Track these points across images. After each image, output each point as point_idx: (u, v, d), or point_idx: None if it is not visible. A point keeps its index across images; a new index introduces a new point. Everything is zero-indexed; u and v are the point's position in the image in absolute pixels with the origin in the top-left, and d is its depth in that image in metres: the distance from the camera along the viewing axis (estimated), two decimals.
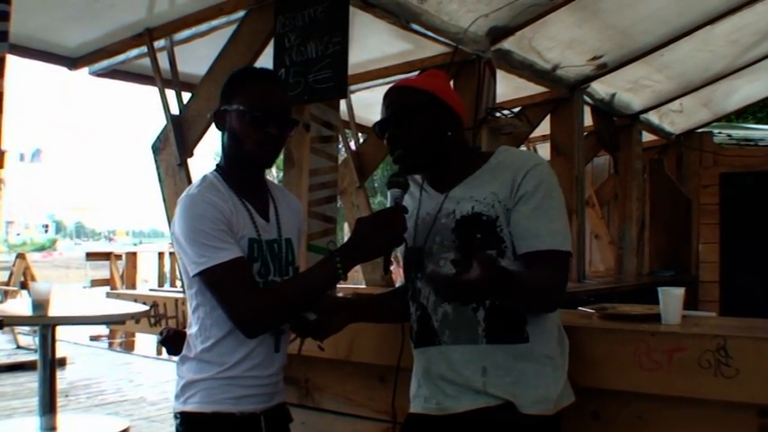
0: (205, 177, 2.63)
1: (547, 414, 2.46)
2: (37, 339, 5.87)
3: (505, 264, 2.42)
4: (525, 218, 2.45)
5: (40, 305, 4.29)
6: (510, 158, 2.60)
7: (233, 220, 2.50)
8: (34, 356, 8.10)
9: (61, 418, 5.76)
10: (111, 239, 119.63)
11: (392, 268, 2.82)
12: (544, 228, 2.44)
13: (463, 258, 2.09)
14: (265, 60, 4.69)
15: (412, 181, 2.74)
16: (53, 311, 4.35)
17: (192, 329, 2.61)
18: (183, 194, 2.55)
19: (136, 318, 4.64)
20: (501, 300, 2.40)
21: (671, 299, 3.09)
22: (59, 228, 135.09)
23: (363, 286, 6.66)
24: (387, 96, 2.67)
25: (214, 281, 2.43)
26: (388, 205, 2.53)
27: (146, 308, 4.65)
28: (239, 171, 2.64)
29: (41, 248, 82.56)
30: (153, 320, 4.77)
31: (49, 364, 4.62)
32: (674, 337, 2.84)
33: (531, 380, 2.46)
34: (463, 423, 2.49)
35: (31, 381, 8.17)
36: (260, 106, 2.56)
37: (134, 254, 16.36)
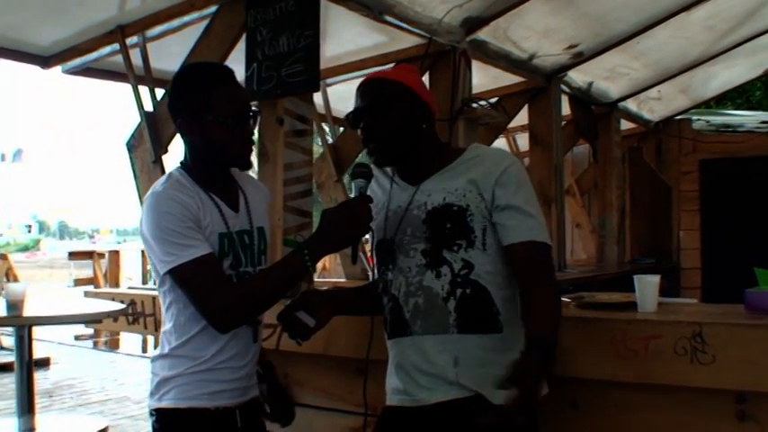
0: (170, 174, 2.62)
1: None
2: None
3: (474, 254, 2.49)
4: (514, 215, 2.50)
5: (14, 306, 4.27)
6: (485, 154, 2.66)
7: (200, 216, 2.49)
8: None
9: (40, 419, 5.73)
10: (91, 237, 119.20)
11: (369, 264, 2.84)
12: (529, 223, 2.50)
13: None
14: (237, 55, 4.67)
15: (383, 173, 2.77)
16: (28, 312, 4.33)
17: (165, 327, 2.62)
18: (149, 192, 2.54)
19: (112, 316, 4.62)
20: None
21: (646, 286, 3.10)
22: (43, 228, 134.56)
23: (343, 280, 6.66)
24: (360, 87, 2.68)
25: (183, 278, 2.43)
26: (353, 196, 2.54)
27: (122, 306, 4.63)
28: (207, 169, 2.63)
29: (25, 249, 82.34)
30: (131, 319, 4.75)
31: (27, 365, 4.60)
32: (649, 325, 2.86)
33: (503, 371, 2.45)
34: (436, 415, 2.49)
35: (14, 382, 8.15)
36: (237, 111, 2.57)
37: (116, 252, 16.30)
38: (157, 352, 2.65)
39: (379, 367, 2.83)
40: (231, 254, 2.58)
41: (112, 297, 5.02)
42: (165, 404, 2.57)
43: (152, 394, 2.62)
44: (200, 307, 2.45)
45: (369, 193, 2.69)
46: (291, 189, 4.50)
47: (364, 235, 2.53)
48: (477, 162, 2.58)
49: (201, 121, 2.55)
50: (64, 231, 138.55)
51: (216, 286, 2.44)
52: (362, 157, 7.72)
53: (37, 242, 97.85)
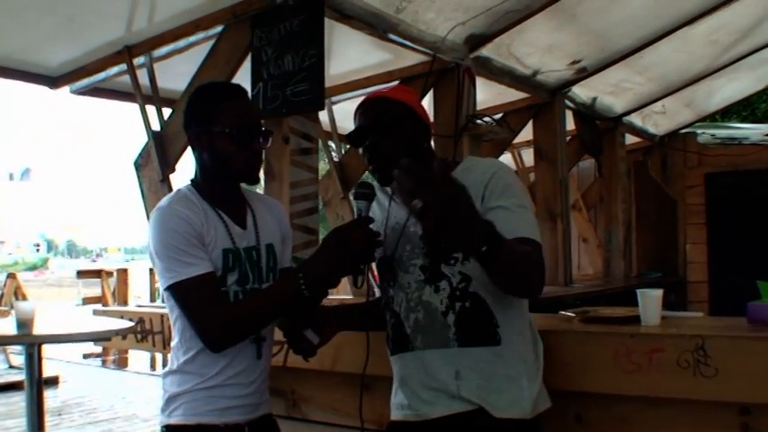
0: (178, 191, 2.66)
1: (523, 418, 2.47)
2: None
3: (471, 267, 2.49)
4: (500, 215, 2.43)
5: (24, 324, 4.29)
6: (475, 165, 2.66)
7: (203, 232, 2.51)
8: None
9: None
10: (98, 255, 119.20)
11: (376, 282, 2.85)
12: (516, 222, 2.44)
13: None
14: (243, 74, 4.71)
15: (382, 191, 2.78)
16: (38, 330, 4.36)
17: (173, 341, 2.63)
18: (155, 207, 2.57)
19: (121, 334, 4.64)
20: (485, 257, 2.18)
21: (649, 300, 3.11)
22: (51, 246, 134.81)
23: (350, 297, 6.67)
24: (362, 106, 2.69)
25: (181, 295, 2.47)
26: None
27: (131, 324, 4.64)
28: (216, 185, 2.65)
29: (33, 267, 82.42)
30: (139, 336, 4.76)
31: (37, 383, 4.62)
32: (652, 339, 2.86)
33: (504, 383, 2.48)
34: (440, 428, 2.51)
35: (24, 400, 8.18)
36: (244, 125, 2.59)
37: (125, 270, 16.30)
38: (167, 368, 2.67)
39: (384, 383, 2.85)
40: (237, 270, 2.60)
41: (121, 315, 5.03)
42: (174, 420, 2.58)
43: (162, 410, 2.63)
44: (193, 325, 2.48)
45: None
46: (298, 207, 4.54)
47: (366, 260, 2.50)
48: (468, 173, 2.57)
49: (209, 132, 2.58)
50: (72, 250, 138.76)
51: (211, 306, 2.46)
52: (368, 175, 7.75)
53: (45, 261, 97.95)
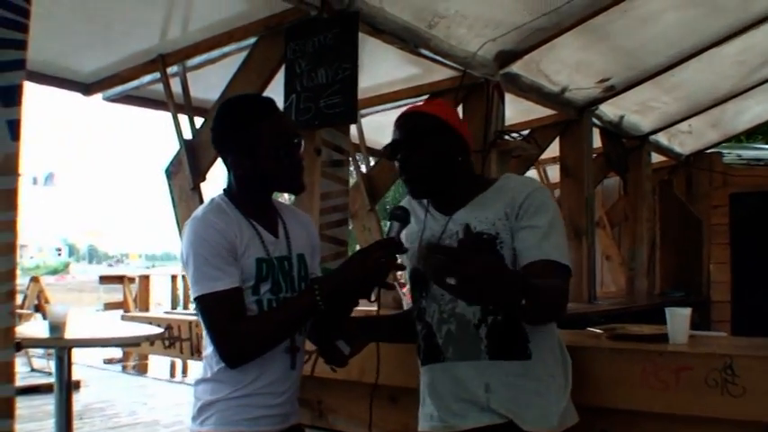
0: (212, 200, 2.66)
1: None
2: (52, 362, 5.88)
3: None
4: (531, 235, 2.48)
5: (57, 327, 4.32)
6: (512, 182, 2.68)
7: (236, 243, 2.52)
8: (48, 379, 8.15)
9: None
10: (114, 263, 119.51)
11: (402, 292, 2.87)
12: (546, 243, 2.47)
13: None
14: (276, 86, 4.75)
15: (418, 203, 2.79)
16: (70, 334, 4.39)
17: (207, 351, 2.63)
18: (190, 218, 2.58)
19: (151, 340, 4.68)
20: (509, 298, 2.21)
21: (678, 319, 3.12)
22: (72, 251, 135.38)
23: (374, 308, 6.69)
24: (399, 120, 2.71)
25: (203, 308, 2.48)
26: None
27: (161, 330, 4.67)
28: (251, 196, 2.66)
29: (54, 272, 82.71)
30: (167, 343, 4.81)
31: (66, 387, 4.65)
32: (680, 357, 2.87)
33: (532, 397, 2.50)
34: None
35: (46, 403, 8.20)
36: (286, 142, 2.60)
37: (147, 277, 16.29)
38: (200, 376, 2.67)
39: (411, 395, 2.87)
40: (270, 279, 2.60)
41: (149, 321, 5.07)
42: (206, 429, 2.58)
43: (194, 418, 2.63)
44: (212, 339, 2.51)
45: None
46: (328, 218, 4.57)
47: (376, 277, 2.50)
48: (505, 190, 2.62)
49: (253, 155, 2.59)
50: (93, 255, 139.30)
51: (230, 322, 2.47)
52: (397, 188, 7.75)
53: (66, 265, 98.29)
